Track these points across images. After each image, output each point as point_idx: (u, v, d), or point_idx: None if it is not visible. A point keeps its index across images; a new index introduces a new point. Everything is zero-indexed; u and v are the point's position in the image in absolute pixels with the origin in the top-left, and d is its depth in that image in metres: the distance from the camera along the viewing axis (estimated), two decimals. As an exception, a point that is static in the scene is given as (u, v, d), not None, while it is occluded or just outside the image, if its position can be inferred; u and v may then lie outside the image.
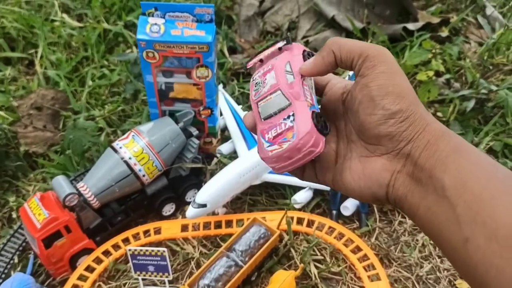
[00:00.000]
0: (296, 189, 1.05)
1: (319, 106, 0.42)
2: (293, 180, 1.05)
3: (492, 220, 0.32)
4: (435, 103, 1.28)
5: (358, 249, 0.95)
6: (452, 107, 1.20)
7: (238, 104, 1.25)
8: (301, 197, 1.03)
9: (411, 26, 1.44)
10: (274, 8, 1.64)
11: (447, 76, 1.32)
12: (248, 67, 0.45)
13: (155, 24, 0.98)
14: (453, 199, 0.34)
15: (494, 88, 1.18)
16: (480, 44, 1.46)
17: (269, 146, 0.40)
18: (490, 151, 1.14)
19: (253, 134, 1.12)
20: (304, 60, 0.42)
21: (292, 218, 1.01)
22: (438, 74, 1.32)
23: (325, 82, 0.44)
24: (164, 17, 1.00)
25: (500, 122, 1.21)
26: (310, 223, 1.00)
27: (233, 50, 1.50)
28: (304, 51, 0.43)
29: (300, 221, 1.01)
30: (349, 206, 1.02)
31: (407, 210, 0.38)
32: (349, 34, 1.50)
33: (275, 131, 0.40)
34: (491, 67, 1.33)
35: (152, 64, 1.00)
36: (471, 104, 1.18)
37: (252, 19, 1.60)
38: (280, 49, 0.43)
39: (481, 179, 0.34)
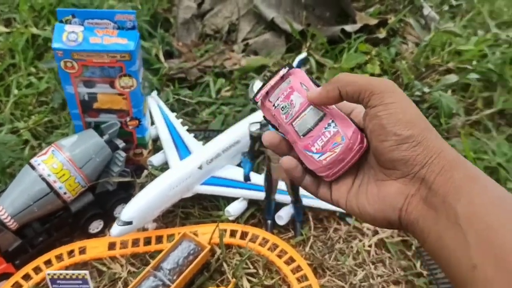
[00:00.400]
0: (230, 200, 1.02)
1: None
2: (226, 191, 1.02)
3: (502, 251, 0.33)
4: (373, 105, 1.27)
5: (291, 260, 0.93)
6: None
7: (173, 111, 1.21)
8: (235, 208, 1.00)
9: (349, 28, 1.43)
10: (214, 10, 1.60)
11: (384, 77, 1.32)
12: (257, 100, 0.47)
13: (73, 32, 0.92)
14: (465, 227, 0.35)
15: (427, 90, 1.19)
16: (418, 45, 1.47)
17: (320, 156, 0.43)
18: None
19: (188, 146, 1.08)
20: (311, 80, 0.45)
21: (225, 230, 0.98)
22: (377, 76, 1.32)
23: (350, 111, 0.45)
24: (82, 25, 0.94)
25: (434, 123, 1.22)
26: (243, 235, 0.98)
27: (170, 55, 1.45)
28: (305, 73, 0.46)
29: (233, 233, 0.98)
30: (283, 215, 1.00)
31: (418, 235, 0.39)
32: (288, 36, 1.48)
33: (321, 141, 0.43)
34: (424, 69, 1.34)
35: (71, 74, 0.94)
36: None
37: (191, 21, 1.55)
38: (282, 77, 0.46)
39: (493, 208, 0.35)
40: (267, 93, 0.47)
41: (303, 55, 1.17)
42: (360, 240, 1.00)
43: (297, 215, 1.00)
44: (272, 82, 0.46)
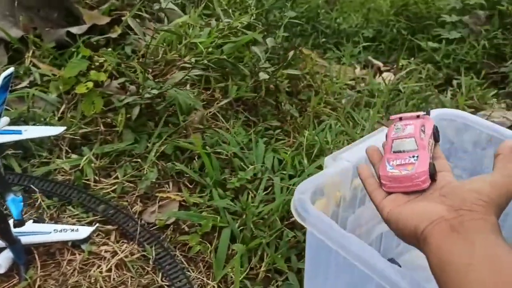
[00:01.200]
0: None
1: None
2: None
3: (500, 261, 0.42)
4: (110, 111, 1.19)
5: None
6: (121, 116, 1.13)
7: None
8: None
9: (75, 29, 1.32)
10: None
11: (122, 79, 1.25)
12: (391, 118, 0.63)
13: None
14: (476, 248, 0.43)
15: (156, 91, 1.15)
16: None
17: (391, 169, 0.56)
18: (163, 156, 1.12)
19: None
20: (433, 131, 0.61)
21: None
22: (113, 77, 1.24)
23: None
24: None
25: (173, 122, 1.20)
26: (-52, 299, 0.81)
27: None
28: (434, 125, 0.61)
29: None
30: (1, 262, 0.86)
31: (429, 245, 0.47)
32: (8, 44, 1.30)
33: (400, 162, 0.56)
34: (159, 65, 1.30)
35: None
36: (136, 110, 1.12)
37: None
38: (418, 116, 0.62)
39: (506, 253, 0.43)
40: (401, 118, 0.63)
41: (8, 71, 1.02)
42: (99, 266, 0.92)
43: (17, 258, 0.87)
44: (407, 115, 0.63)
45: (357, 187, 0.80)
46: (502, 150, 0.54)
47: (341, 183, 0.76)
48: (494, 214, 0.48)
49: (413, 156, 0.56)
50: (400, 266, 0.92)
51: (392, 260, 0.94)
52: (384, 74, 2.04)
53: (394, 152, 0.58)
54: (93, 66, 1.16)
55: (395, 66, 2.19)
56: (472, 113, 1.68)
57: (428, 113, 0.63)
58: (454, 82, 1.92)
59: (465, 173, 0.88)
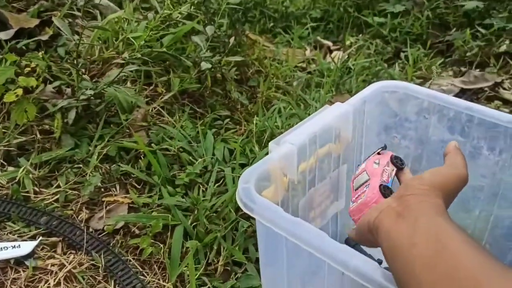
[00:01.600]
0: None
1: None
2: None
3: (440, 237, 0.43)
4: (46, 118, 1.13)
5: None
6: (57, 121, 1.07)
7: None
8: None
9: (1, 35, 1.24)
10: None
11: (57, 83, 1.18)
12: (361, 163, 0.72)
13: None
14: (420, 229, 0.45)
15: (91, 92, 1.09)
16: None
17: (352, 204, 0.64)
18: (108, 158, 1.07)
19: None
20: (391, 160, 0.66)
21: None
22: (47, 81, 1.17)
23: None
24: None
25: (114, 121, 1.14)
26: None
27: None
28: (392, 155, 0.67)
29: None
30: None
31: (380, 230, 0.50)
32: None
33: (357, 195, 0.64)
34: (96, 64, 1.24)
35: None
36: (72, 114, 1.06)
37: None
38: (378, 153, 0.70)
39: (449, 229, 0.44)
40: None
41: None
42: (46, 281, 0.87)
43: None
44: (372, 154, 0.69)
45: (305, 170, 0.77)
46: (448, 150, 0.60)
47: (286, 167, 0.73)
48: (439, 198, 0.51)
49: (366, 186, 0.63)
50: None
51: (350, 239, 0.94)
52: (334, 53, 2.03)
53: (355, 189, 0.66)
54: (23, 72, 1.09)
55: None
56: (421, 83, 1.71)
57: (384, 148, 0.71)
58: (402, 54, 1.93)
59: (412, 143, 0.87)
